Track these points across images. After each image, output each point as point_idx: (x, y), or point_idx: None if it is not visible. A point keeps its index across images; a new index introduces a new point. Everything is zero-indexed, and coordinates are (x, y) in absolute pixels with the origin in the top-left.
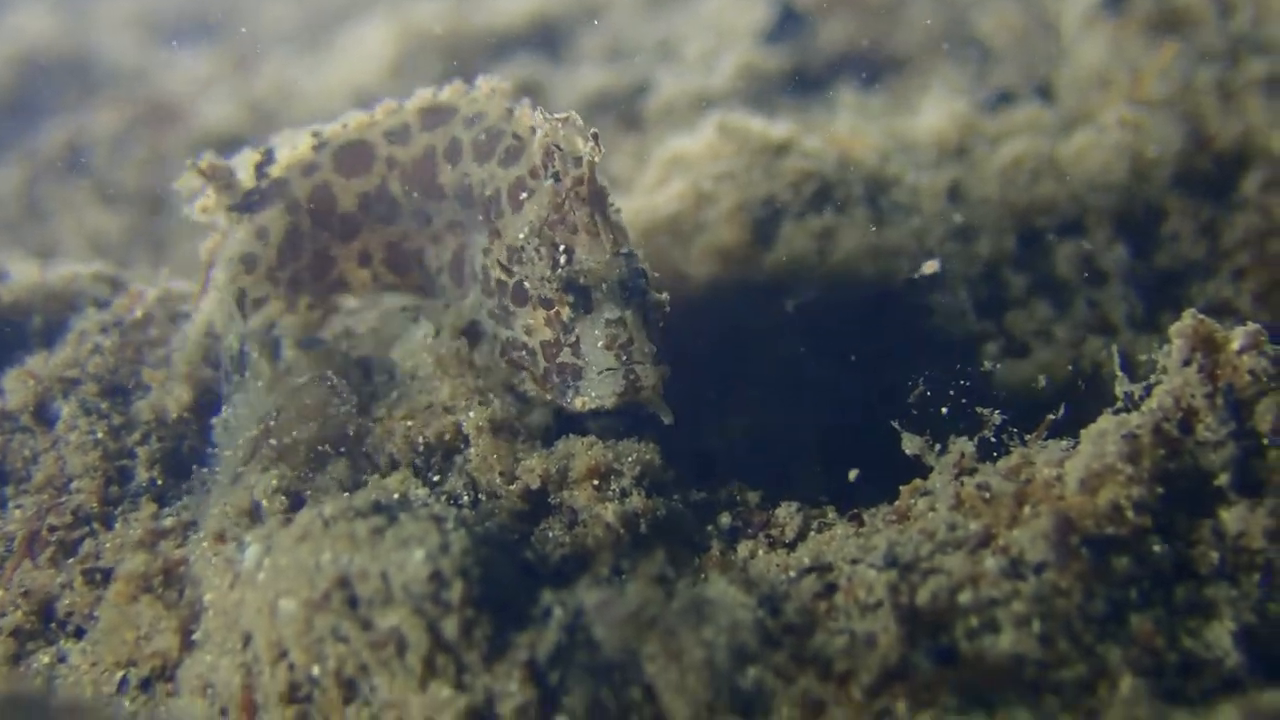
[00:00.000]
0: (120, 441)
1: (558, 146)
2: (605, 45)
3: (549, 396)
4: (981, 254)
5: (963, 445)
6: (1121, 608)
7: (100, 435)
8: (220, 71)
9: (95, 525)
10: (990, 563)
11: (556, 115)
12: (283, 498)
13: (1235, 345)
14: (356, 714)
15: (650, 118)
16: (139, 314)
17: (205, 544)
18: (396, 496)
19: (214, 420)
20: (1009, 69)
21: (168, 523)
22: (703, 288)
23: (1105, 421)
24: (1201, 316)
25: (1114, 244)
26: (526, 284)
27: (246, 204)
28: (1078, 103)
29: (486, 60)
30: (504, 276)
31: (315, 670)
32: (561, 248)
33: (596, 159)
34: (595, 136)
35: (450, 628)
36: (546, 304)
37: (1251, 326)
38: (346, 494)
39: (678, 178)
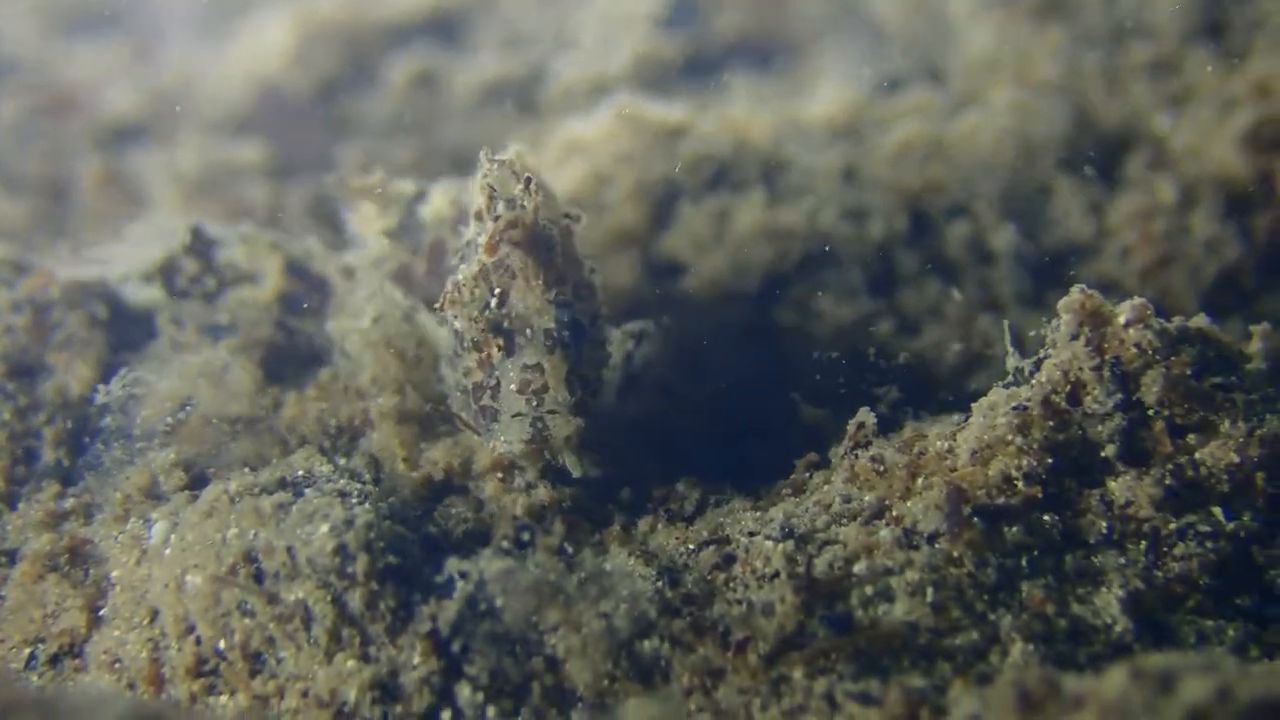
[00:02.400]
0: (26, 422)
1: (492, 188)
2: (503, 34)
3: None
4: (874, 234)
5: (863, 415)
6: (1012, 576)
7: (6, 416)
8: (121, 61)
9: (1, 506)
10: (884, 533)
11: (497, 156)
12: (181, 473)
13: (1121, 319)
14: (263, 686)
15: (548, 104)
16: (54, 293)
17: (110, 522)
18: (301, 473)
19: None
20: (900, 53)
21: (69, 503)
22: (603, 267)
23: (995, 394)
24: (1089, 291)
25: (1002, 224)
26: (463, 326)
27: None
28: (967, 86)
29: (385, 49)
30: (457, 323)
31: (221, 644)
32: (497, 291)
33: (529, 203)
34: (529, 181)
35: (355, 600)
36: (478, 346)
37: (1137, 301)
38: (251, 471)
39: (576, 160)
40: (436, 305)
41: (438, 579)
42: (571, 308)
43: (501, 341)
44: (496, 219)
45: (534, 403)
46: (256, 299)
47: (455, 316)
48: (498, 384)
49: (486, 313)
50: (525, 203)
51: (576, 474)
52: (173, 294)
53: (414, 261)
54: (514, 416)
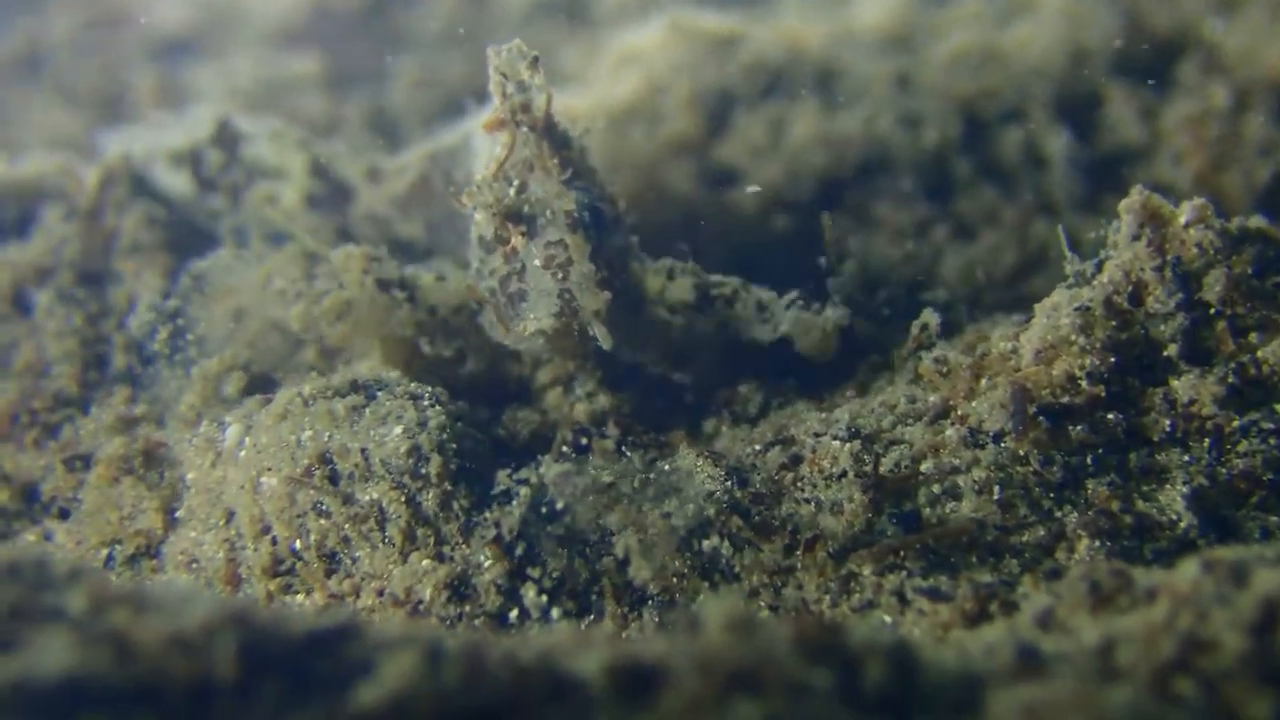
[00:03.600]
0: (97, 328)
1: (504, 74)
2: None
3: (509, 341)
4: (929, 141)
5: (926, 316)
6: (1078, 474)
7: (77, 323)
8: None
9: (73, 412)
10: (950, 432)
11: (503, 46)
12: (241, 376)
13: (1182, 219)
14: (338, 585)
15: (601, 16)
16: (88, 200)
17: (183, 426)
18: (372, 377)
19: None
20: None
21: (141, 408)
22: (659, 176)
23: (1058, 295)
24: (1149, 192)
25: (1056, 130)
26: (484, 219)
27: None
28: None
29: None
30: (478, 230)
31: (298, 544)
32: (515, 182)
33: (539, 83)
34: (536, 60)
35: (429, 501)
36: (503, 240)
37: (1198, 201)
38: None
39: (631, 70)
40: (456, 203)
41: (500, 486)
42: (591, 192)
43: (524, 229)
44: (511, 116)
45: (560, 275)
46: (283, 200)
47: (476, 210)
48: (523, 267)
49: (506, 200)
50: (536, 82)
51: (607, 346)
52: (201, 183)
53: (432, 174)
54: (542, 294)
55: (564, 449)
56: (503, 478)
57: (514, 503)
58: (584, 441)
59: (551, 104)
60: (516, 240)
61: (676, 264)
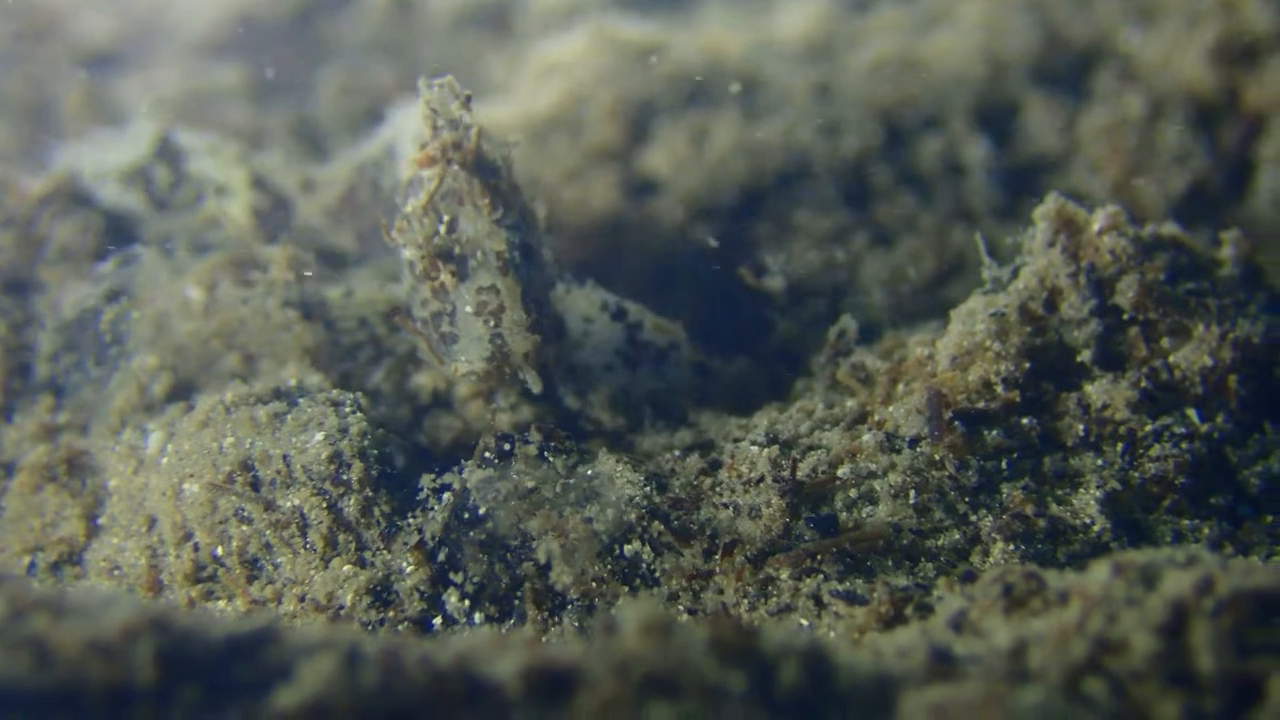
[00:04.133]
0: (20, 337)
1: (434, 110)
2: None
3: (441, 368)
4: (848, 150)
5: (844, 322)
6: (993, 478)
7: (1, 332)
8: None
9: None
10: (867, 438)
11: (435, 80)
12: (168, 379)
13: (1096, 226)
14: (260, 591)
15: (524, 26)
16: (27, 209)
17: (106, 433)
18: (294, 383)
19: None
20: None
21: (64, 416)
22: (581, 186)
23: (974, 301)
24: (1064, 199)
25: (975, 138)
26: (413, 254)
27: None
28: (936, 3)
29: None
30: (408, 255)
31: (219, 550)
32: (445, 218)
33: (471, 122)
34: (468, 99)
35: (351, 507)
36: (430, 275)
37: (1111, 208)
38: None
39: (554, 80)
40: (386, 238)
41: (423, 491)
42: (521, 230)
43: (454, 268)
44: (441, 151)
45: (491, 323)
46: (231, 215)
47: (405, 246)
48: (454, 309)
49: (436, 239)
50: (467, 121)
51: (537, 390)
52: (153, 202)
53: (360, 185)
54: (473, 339)
55: (486, 454)
56: (426, 482)
57: (437, 508)
58: (506, 447)
59: (481, 139)
60: (447, 279)
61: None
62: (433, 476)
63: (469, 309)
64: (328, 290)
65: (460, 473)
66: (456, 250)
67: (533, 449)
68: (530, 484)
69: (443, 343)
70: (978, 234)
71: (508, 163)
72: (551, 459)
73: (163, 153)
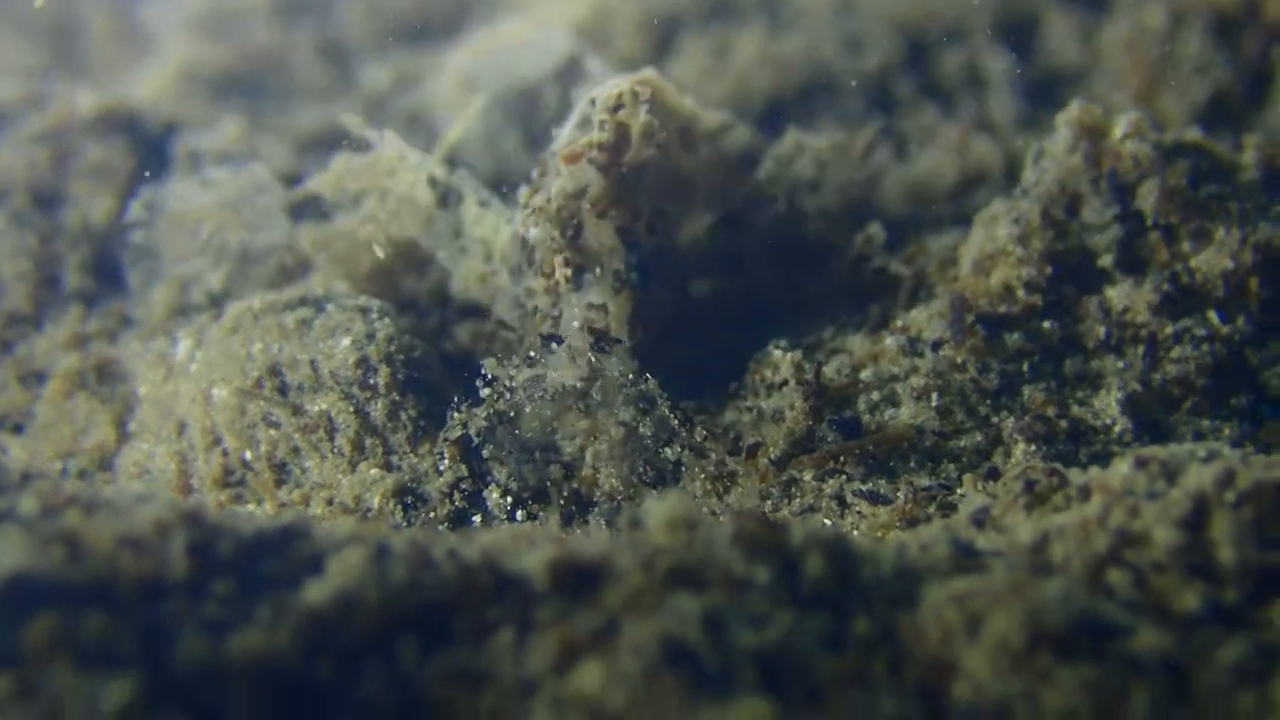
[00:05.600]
0: (50, 248)
1: (619, 106)
2: None
3: (522, 365)
4: (870, 63)
5: (871, 228)
6: (1014, 380)
7: (31, 243)
8: None
9: (27, 329)
10: (889, 341)
11: (635, 75)
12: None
13: (1118, 132)
14: (288, 494)
15: None
16: (77, 125)
17: (136, 341)
18: (322, 291)
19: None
20: None
21: (93, 325)
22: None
23: (995, 207)
24: (1087, 105)
25: (995, 51)
26: (536, 247)
27: None
28: None
29: None
30: (524, 232)
31: (248, 454)
32: (575, 221)
33: (641, 124)
34: (650, 101)
35: (378, 411)
36: (546, 274)
37: (1133, 114)
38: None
39: None
40: (521, 202)
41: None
42: (640, 248)
43: (570, 273)
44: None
45: (593, 341)
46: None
47: (535, 225)
48: (560, 315)
49: (565, 238)
50: (641, 121)
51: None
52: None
53: None
54: (570, 352)
55: (532, 354)
56: (490, 365)
57: (481, 406)
58: (554, 347)
59: (643, 148)
60: (560, 279)
61: None
62: (495, 361)
63: (575, 322)
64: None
65: (506, 368)
66: (577, 258)
67: (582, 346)
68: (578, 385)
69: (537, 335)
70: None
71: (669, 155)
72: (596, 359)
73: None
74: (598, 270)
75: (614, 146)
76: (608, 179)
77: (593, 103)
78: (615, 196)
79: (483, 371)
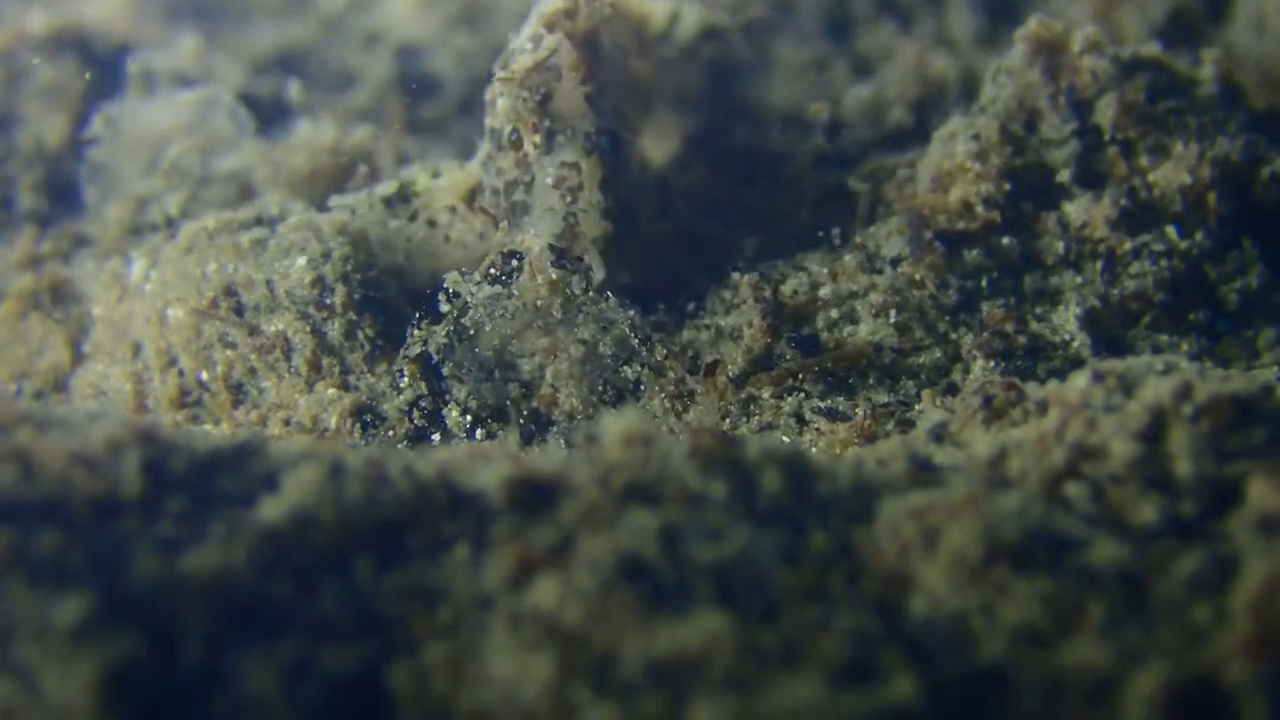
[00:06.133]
0: (3, 169)
1: None
2: None
3: (505, 239)
4: None
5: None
6: (973, 296)
7: None
8: None
9: None
10: (848, 258)
11: None
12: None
13: (1076, 47)
14: (245, 415)
15: None
16: (28, 46)
17: (90, 261)
18: (276, 210)
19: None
20: None
21: (47, 246)
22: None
23: (953, 124)
24: (1046, 20)
25: None
26: (504, 119)
27: None
28: None
29: None
30: (493, 122)
31: (204, 375)
32: (542, 90)
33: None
34: None
35: (335, 331)
36: (516, 144)
37: (1090, 29)
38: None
39: None
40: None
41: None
42: (610, 117)
43: (539, 139)
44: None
45: (568, 199)
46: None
47: (502, 95)
48: (533, 179)
49: (535, 103)
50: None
51: (600, 274)
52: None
53: None
54: (546, 211)
55: (493, 271)
56: (452, 280)
57: (441, 323)
58: (515, 264)
59: (603, 22)
60: (530, 148)
61: None
62: (457, 274)
63: (549, 180)
64: (415, 174)
65: (466, 284)
66: (547, 123)
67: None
68: (538, 302)
69: (512, 213)
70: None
71: (624, 60)
72: (555, 274)
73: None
74: (569, 132)
75: (575, 13)
76: (577, 46)
77: None
78: (587, 61)
79: (444, 286)
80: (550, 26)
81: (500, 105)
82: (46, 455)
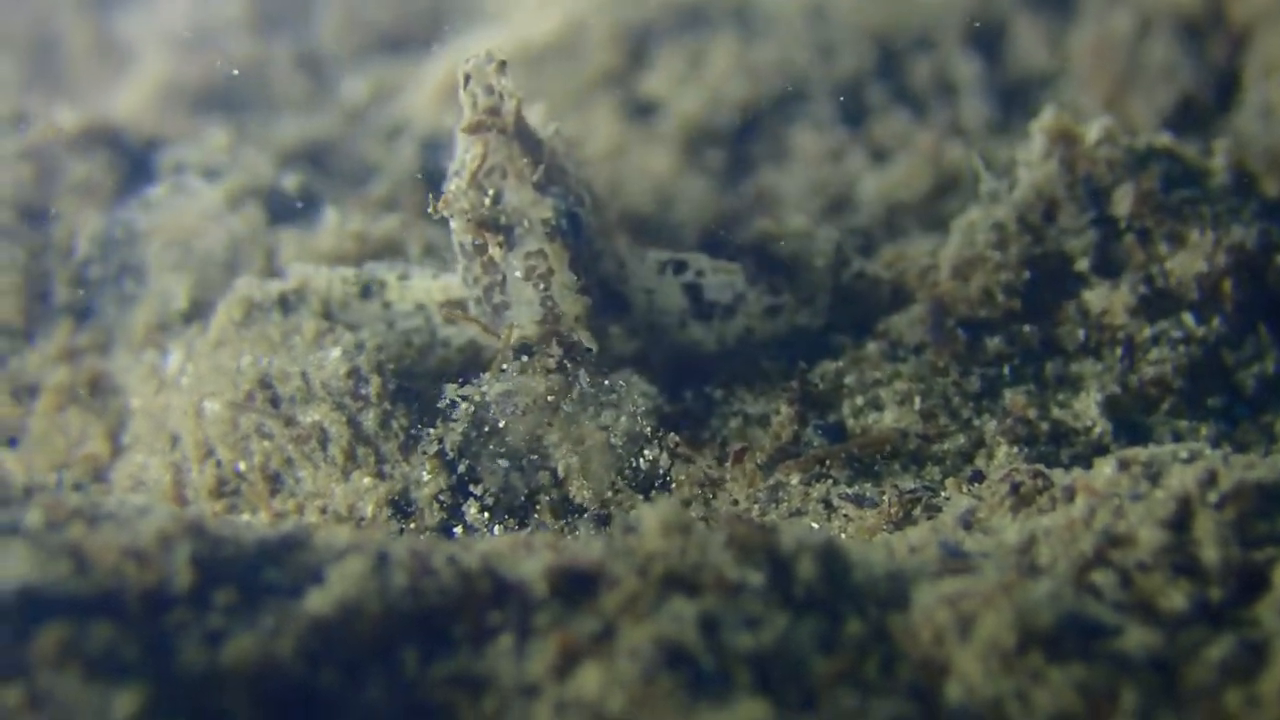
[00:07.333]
0: (40, 264)
1: (469, 76)
2: None
3: (498, 341)
4: (843, 70)
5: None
6: (995, 383)
7: (21, 258)
8: None
9: (19, 344)
10: (872, 346)
11: (471, 54)
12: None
13: (1092, 138)
14: (283, 504)
15: None
16: (62, 142)
17: (126, 355)
18: (294, 288)
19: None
20: None
21: (84, 339)
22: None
23: (974, 213)
24: (1060, 112)
25: (965, 57)
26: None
27: None
28: None
29: None
30: (457, 237)
31: (241, 465)
32: (491, 192)
33: (508, 87)
34: (503, 65)
35: (370, 421)
36: (480, 250)
37: (1105, 120)
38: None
39: (552, 10)
40: (431, 210)
41: (441, 404)
42: (565, 199)
43: (501, 238)
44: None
45: (541, 286)
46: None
47: (453, 217)
48: (504, 279)
49: (481, 210)
50: (505, 89)
51: (593, 348)
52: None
53: None
54: (524, 303)
55: (505, 367)
56: (450, 391)
57: (456, 420)
58: (525, 360)
59: (522, 108)
60: (494, 251)
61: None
62: (456, 385)
63: (518, 274)
64: (382, 272)
65: (479, 385)
66: (503, 220)
67: (551, 361)
68: (550, 396)
69: (496, 315)
70: (975, 152)
71: (560, 141)
72: (569, 367)
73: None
74: (525, 223)
75: (499, 110)
76: (507, 135)
77: (467, 77)
78: (524, 150)
79: (444, 396)
80: (475, 131)
81: (455, 224)
82: (99, 550)
